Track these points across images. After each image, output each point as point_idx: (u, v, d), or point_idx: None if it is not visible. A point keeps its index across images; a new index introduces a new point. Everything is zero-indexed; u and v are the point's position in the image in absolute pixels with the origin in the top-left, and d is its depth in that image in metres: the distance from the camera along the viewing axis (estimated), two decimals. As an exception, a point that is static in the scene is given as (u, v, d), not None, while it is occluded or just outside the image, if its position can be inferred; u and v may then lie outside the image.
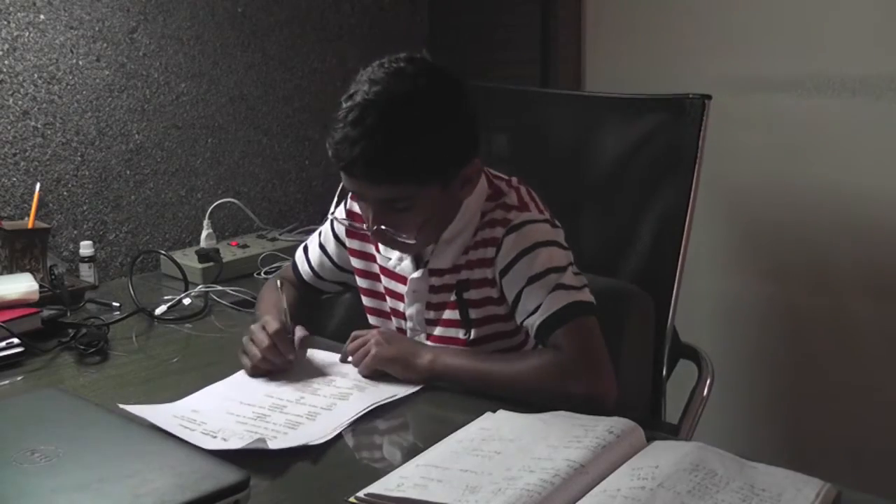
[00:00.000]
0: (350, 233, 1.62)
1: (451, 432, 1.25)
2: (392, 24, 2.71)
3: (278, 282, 1.62)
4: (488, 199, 1.50)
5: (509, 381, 1.40)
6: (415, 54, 1.43)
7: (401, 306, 1.57)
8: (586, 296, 1.44)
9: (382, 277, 1.60)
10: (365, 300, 1.65)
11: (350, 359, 1.51)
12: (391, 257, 1.56)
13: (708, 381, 1.75)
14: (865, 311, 2.31)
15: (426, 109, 1.38)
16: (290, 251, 2.26)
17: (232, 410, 1.38)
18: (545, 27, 2.64)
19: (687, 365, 1.81)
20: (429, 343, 1.54)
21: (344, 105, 1.38)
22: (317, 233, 1.72)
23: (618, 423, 1.21)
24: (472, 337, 1.51)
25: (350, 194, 1.58)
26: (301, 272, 1.73)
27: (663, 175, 1.80)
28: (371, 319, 1.65)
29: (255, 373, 1.48)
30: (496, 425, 1.27)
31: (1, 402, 1.43)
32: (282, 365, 1.48)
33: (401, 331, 1.59)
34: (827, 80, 2.26)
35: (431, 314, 1.54)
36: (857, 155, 2.26)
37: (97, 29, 2.16)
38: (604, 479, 1.10)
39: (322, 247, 1.69)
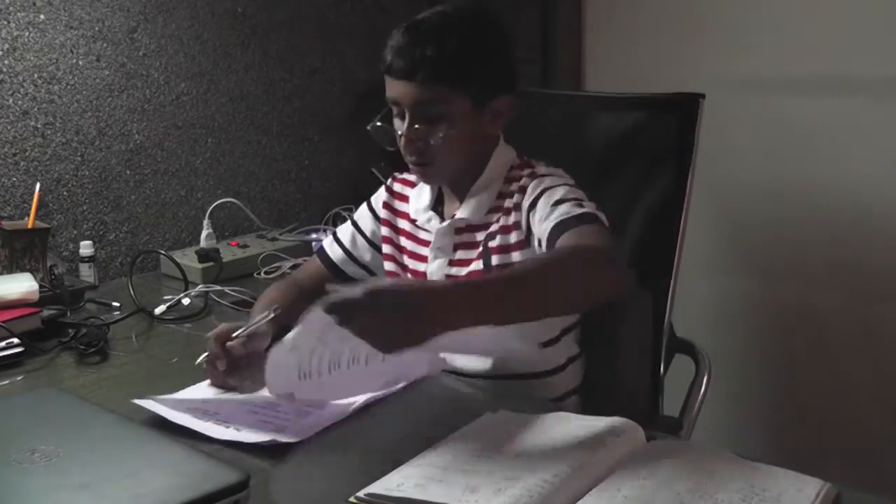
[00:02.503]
0: (386, 204, 1.72)
1: (452, 432, 1.25)
2: (392, 24, 2.70)
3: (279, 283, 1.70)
4: (517, 165, 1.60)
5: (544, 277, 1.23)
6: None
7: (422, 266, 1.63)
8: (604, 217, 1.46)
9: (408, 244, 1.67)
10: (388, 266, 1.70)
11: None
12: (420, 218, 1.64)
13: (706, 375, 1.77)
14: (865, 310, 2.31)
15: (475, 31, 1.53)
16: (291, 251, 2.27)
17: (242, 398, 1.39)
18: (545, 27, 2.64)
19: (679, 362, 1.82)
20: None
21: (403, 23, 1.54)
22: (348, 221, 1.80)
23: (619, 423, 1.21)
24: None
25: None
26: (330, 255, 1.77)
27: (659, 173, 1.81)
28: None
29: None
30: (496, 425, 1.27)
31: (1, 402, 1.43)
32: (226, 384, 1.45)
33: None
34: (827, 80, 2.26)
35: (454, 270, 1.60)
36: (856, 155, 2.26)
37: (97, 29, 2.16)
38: (604, 479, 1.10)
39: (355, 224, 1.77)
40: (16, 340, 1.63)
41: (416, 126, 1.51)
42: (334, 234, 1.80)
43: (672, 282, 1.76)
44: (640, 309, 1.75)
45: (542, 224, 1.47)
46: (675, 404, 1.77)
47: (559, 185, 1.51)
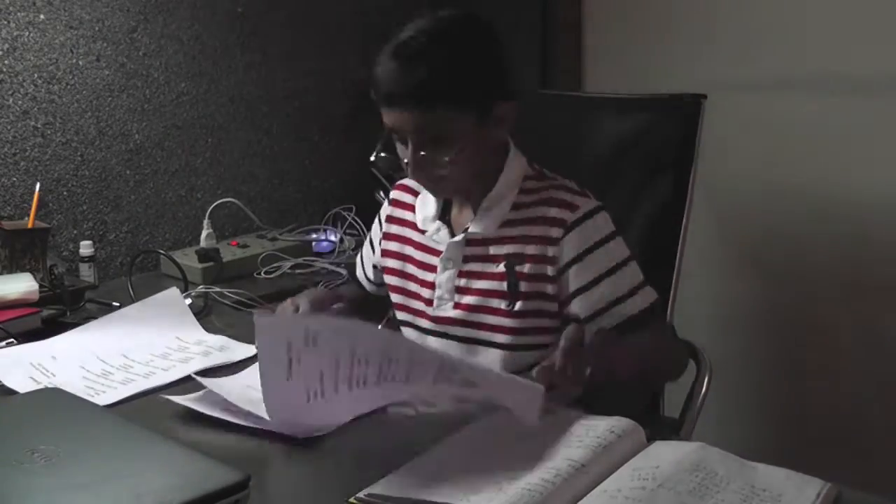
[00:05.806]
0: (390, 217, 1.71)
1: (452, 432, 1.25)
2: (392, 24, 2.71)
3: None
4: (532, 175, 1.58)
5: (647, 356, 1.49)
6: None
7: (430, 276, 1.61)
8: (656, 297, 1.56)
9: (416, 253, 1.64)
10: (392, 280, 1.68)
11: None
12: (428, 229, 1.61)
13: (707, 377, 1.76)
14: (866, 311, 2.31)
15: (463, 42, 1.48)
16: (291, 251, 2.27)
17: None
18: (545, 27, 2.64)
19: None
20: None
21: (388, 45, 1.49)
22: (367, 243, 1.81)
23: (619, 423, 1.21)
24: (515, 309, 1.53)
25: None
26: (358, 276, 1.83)
27: (661, 174, 1.81)
28: (395, 298, 1.68)
29: None
30: (497, 425, 1.27)
31: (1, 402, 1.43)
32: None
33: (425, 300, 1.62)
34: (829, 81, 2.26)
35: (462, 282, 1.57)
36: (858, 157, 2.26)
37: (97, 29, 2.16)
38: (604, 479, 1.10)
39: (371, 242, 1.78)
40: (15, 340, 1.63)
41: (422, 153, 1.47)
42: (360, 255, 1.83)
43: (673, 283, 1.76)
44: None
45: (590, 298, 1.51)
46: (675, 405, 1.76)
47: (611, 237, 1.53)
